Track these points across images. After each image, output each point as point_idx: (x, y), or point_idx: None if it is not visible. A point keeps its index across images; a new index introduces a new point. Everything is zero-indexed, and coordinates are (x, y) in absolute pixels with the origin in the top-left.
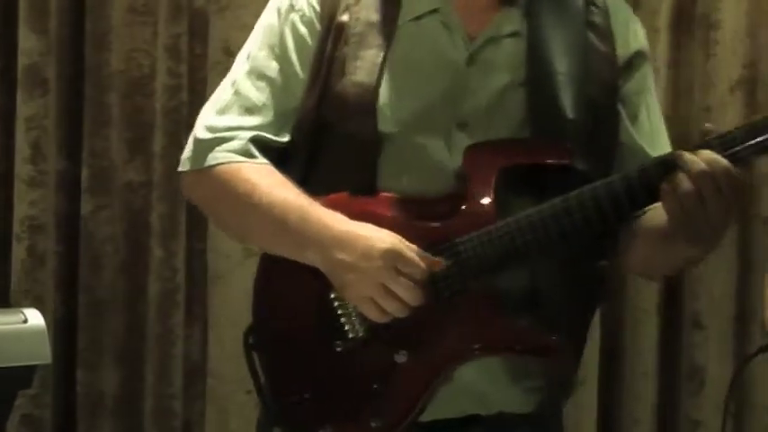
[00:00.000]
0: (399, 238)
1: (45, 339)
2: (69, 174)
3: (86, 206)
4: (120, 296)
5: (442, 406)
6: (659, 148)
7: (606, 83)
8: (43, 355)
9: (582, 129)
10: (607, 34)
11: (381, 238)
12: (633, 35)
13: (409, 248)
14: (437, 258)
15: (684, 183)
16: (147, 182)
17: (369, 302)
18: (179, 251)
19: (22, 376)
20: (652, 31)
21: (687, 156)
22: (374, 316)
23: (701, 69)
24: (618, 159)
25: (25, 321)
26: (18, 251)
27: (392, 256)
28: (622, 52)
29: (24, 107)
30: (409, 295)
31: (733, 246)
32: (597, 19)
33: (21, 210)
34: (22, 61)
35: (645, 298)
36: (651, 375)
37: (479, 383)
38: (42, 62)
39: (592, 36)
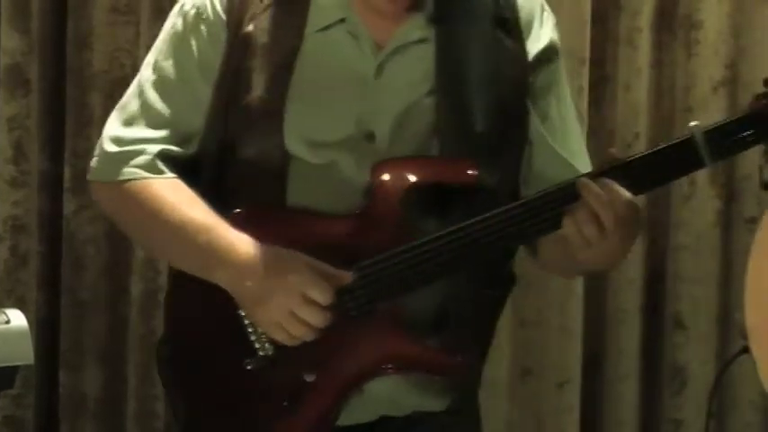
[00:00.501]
0: (306, 259)
1: (27, 340)
2: (52, 174)
3: (69, 206)
4: (103, 297)
5: (355, 413)
6: (570, 147)
7: (516, 81)
8: (26, 355)
9: (491, 140)
10: (516, 30)
11: (287, 264)
12: (543, 29)
13: (315, 271)
14: (345, 272)
15: (586, 214)
16: None
17: (276, 327)
18: None
19: (4, 377)
20: (634, 31)
21: (590, 186)
22: (283, 340)
23: (683, 69)
24: (527, 159)
25: (8, 322)
26: (0, 251)
27: (298, 282)
28: (532, 47)
29: (6, 107)
30: (316, 320)
31: (716, 246)
32: (506, 14)
33: (3, 210)
34: (4, 61)
35: (627, 299)
36: (633, 376)
37: (389, 392)
38: (24, 62)
39: (501, 34)
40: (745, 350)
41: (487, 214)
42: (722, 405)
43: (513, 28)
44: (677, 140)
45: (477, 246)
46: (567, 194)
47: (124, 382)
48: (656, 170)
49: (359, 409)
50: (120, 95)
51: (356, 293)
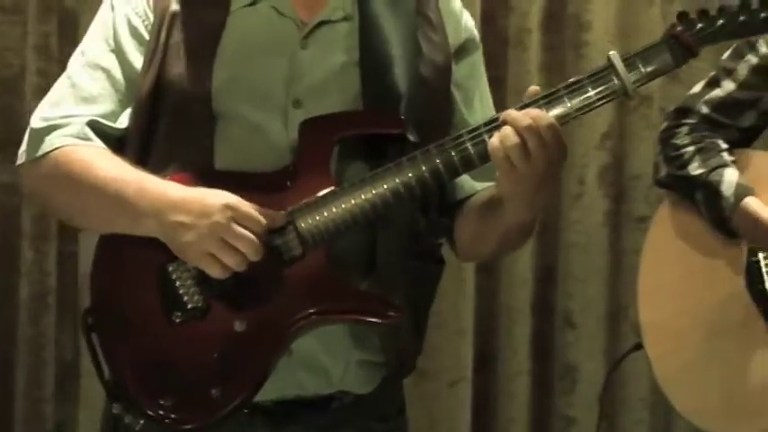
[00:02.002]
0: (236, 196)
1: None
2: None
3: None
4: None
5: (283, 381)
6: None
7: (439, 66)
8: None
9: (415, 106)
10: (439, 26)
11: (217, 194)
12: (464, 25)
13: (246, 203)
14: (277, 213)
15: (511, 137)
16: (19, 183)
17: (209, 259)
18: (50, 253)
19: None
20: (523, 32)
21: (514, 113)
22: (216, 272)
23: (572, 70)
24: None
25: None
26: None
27: (230, 210)
28: (454, 40)
29: None
30: (248, 247)
31: (605, 245)
32: (429, 12)
33: None
34: None
35: (518, 298)
36: (525, 374)
37: (319, 355)
38: None
39: (424, 26)
40: (638, 347)
41: (416, 152)
42: (613, 403)
43: (437, 24)
44: (597, 68)
45: (407, 182)
46: (492, 125)
47: (12, 385)
48: (580, 101)
49: (286, 375)
50: (8, 95)
51: (288, 239)
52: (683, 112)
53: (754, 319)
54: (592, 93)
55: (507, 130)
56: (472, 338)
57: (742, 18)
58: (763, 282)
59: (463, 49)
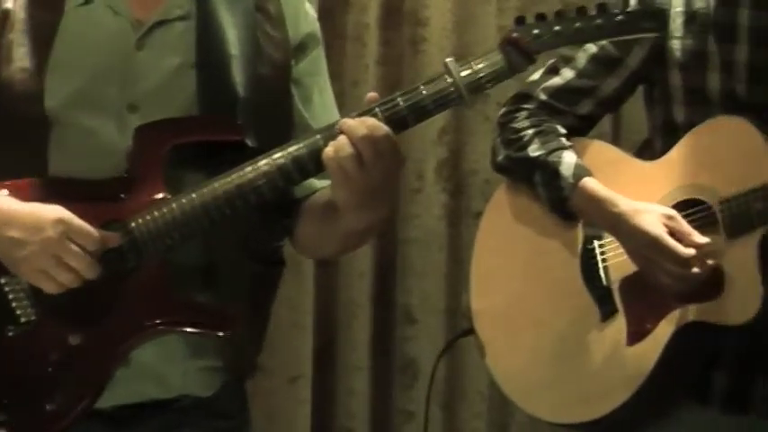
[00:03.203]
0: (68, 211)
1: None
2: None
3: None
4: None
5: (122, 390)
6: None
7: (278, 63)
8: None
9: (253, 107)
10: (279, 20)
11: (50, 209)
12: (304, 18)
13: (80, 221)
14: (112, 234)
15: (346, 147)
16: None
17: (42, 275)
18: None
19: None
20: (361, 27)
21: (350, 122)
22: (50, 289)
23: (409, 65)
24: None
25: None
26: None
27: (62, 225)
28: (294, 35)
29: None
30: (82, 265)
31: (443, 240)
32: (268, 6)
33: None
34: None
35: (358, 292)
36: (365, 369)
37: (157, 364)
38: None
39: (263, 22)
40: (469, 332)
41: (253, 159)
42: (452, 396)
43: (276, 18)
44: (435, 76)
45: (242, 191)
46: (328, 136)
47: None
48: (416, 106)
49: (125, 385)
50: None
51: (122, 249)
52: (522, 97)
53: (587, 305)
54: (428, 99)
55: (342, 139)
56: (312, 334)
57: (578, 24)
58: (597, 269)
59: (303, 45)
